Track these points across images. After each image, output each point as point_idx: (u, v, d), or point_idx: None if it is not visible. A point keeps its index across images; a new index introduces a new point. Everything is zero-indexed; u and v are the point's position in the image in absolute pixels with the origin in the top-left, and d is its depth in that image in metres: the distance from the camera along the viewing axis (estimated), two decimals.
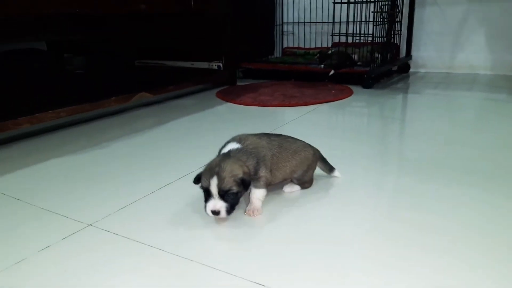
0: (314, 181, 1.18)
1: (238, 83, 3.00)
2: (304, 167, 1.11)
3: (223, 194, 0.93)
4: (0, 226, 1.01)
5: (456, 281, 0.75)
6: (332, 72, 2.86)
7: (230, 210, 0.94)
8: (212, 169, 0.94)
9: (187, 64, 2.94)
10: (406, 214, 0.99)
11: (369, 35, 2.80)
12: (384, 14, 2.83)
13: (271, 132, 1.14)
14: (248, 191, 1.01)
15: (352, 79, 2.85)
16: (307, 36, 3.68)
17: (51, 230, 0.97)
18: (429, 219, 0.97)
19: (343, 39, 3.01)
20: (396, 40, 3.25)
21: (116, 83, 2.55)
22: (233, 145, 1.01)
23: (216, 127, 1.89)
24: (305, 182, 1.15)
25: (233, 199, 0.94)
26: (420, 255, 0.83)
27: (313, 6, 3.59)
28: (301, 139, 1.16)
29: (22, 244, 0.91)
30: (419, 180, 1.20)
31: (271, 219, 1.01)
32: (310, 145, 1.16)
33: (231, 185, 0.92)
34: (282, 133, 1.16)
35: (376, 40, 2.85)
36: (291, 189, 1.14)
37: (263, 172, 0.99)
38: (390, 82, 3.00)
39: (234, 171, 0.93)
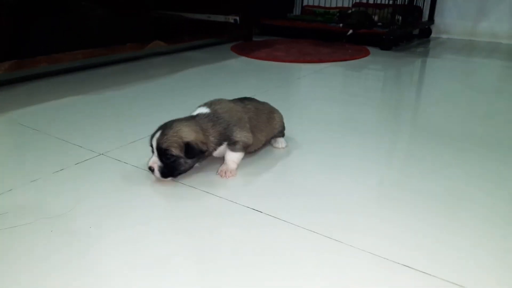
0: (327, 148, 1.14)
1: (254, 39, 2.98)
2: (281, 124, 1.11)
3: (160, 153, 0.87)
4: (19, 151, 1.07)
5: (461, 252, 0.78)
6: (350, 31, 2.81)
7: (166, 173, 0.88)
8: (162, 126, 0.90)
9: (204, 17, 2.91)
10: (416, 182, 0.95)
11: None
12: None
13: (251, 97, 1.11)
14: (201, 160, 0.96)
15: (370, 40, 2.80)
16: None
17: (65, 156, 1.02)
18: (440, 188, 0.93)
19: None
20: (419, 3, 3.15)
21: (132, 30, 2.55)
22: (202, 110, 0.95)
23: (228, 79, 1.91)
24: (281, 131, 1.12)
25: (171, 162, 0.87)
26: (426, 223, 0.81)
27: None
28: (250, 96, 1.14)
29: (38, 166, 0.97)
30: (431, 148, 1.15)
31: (277, 177, 1.04)
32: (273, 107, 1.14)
33: (169, 145, 0.86)
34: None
35: (399, 1, 2.77)
36: (282, 144, 1.12)
37: (238, 135, 0.94)
38: (410, 45, 2.94)
39: (181, 133, 0.87)
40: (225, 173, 0.94)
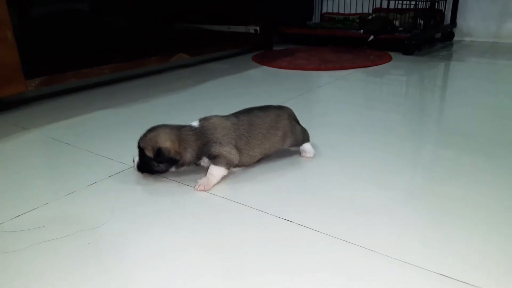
0: (351, 153, 1.14)
1: (275, 48, 3.00)
2: (288, 134, 1.06)
3: (139, 150, 0.97)
4: (53, 165, 1.11)
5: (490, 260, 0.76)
6: (371, 37, 2.80)
7: (142, 168, 0.98)
8: (150, 128, 0.98)
9: (224, 28, 2.95)
10: (441, 187, 0.94)
11: (412, 0, 2.71)
12: None
13: (258, 106, 1.09)
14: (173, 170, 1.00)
15: (392, 45, 2.78)
16: (347, 2, 3.59)
17: (98, 169, 1.05)
18: (467, 193, 0.91)
19: (384, 4, 2.93)
20: (441, 7, 3.12)
21: (156, 44, 2.61)
22: (194, 123, 1.00)
23: (250, 89, 1.92)
24: (301, 138, 1.09)
25: (145, 160, 0.96)
26: (453, 229, 0.81)
27: None
28: (275, 104, 1.11)
29: (72, 180, 1.00)
30: (458, 153, 1.13)
31: (297, 185, 1.04)
32: (281, 108, 1.09)
33: (144, 146, 0.95)
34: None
35: (420, 5, 2.75)
36: (310, 153, 1.10)
37: (217, 150, 0.95)
38: (432, 49, 2.91)
39: (157, 138, 0.94)
40: (199, 186, 0.94)
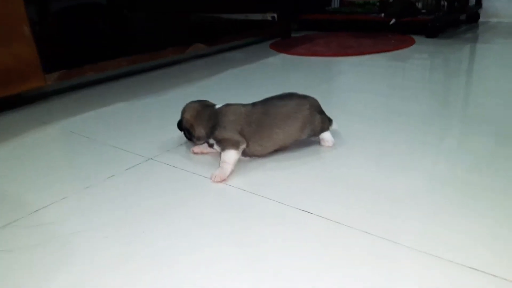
0: (373, 141, 1.12)
1: (293, 35, 2.94)
2: (306, 124, 1.02)
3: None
4: (71, 158, 1.11)
5: None
6: (393, 21, 2.70)
7: (186, 135, 1.07)
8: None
9: (241, 16, 2.91)
10: (468, 175, 0.91)
11: None
12: None
13: (295, 92, 1.07)
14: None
15: (415, 29, 2.69)
16: None
17: (116, 162, 1.04)
18: (493, 181, 0.88)
19: None
20: None
21: (172, 35, 2.59)
22: (217, 105, 1.04)
23: (268, 77, 1.89)
24: (322, 126, 1.05)
25: (184, 130, 1.07)
26: (477, 218, 0.78)
27: None
28: (300, 93, 1.07)
29: (91, 173, 0.99)
30: (485, 140, 1.09)
31: (316, 166, 1.01)
32: (304, 98, 1.05)
33: (181, 117, 1.06)
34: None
35: None
36: (329, 142, 1.07)
37: (221, 134, 0.96)
38: (457, 31, 2.80)
39: (184, 109, 1.07)
40: (215, 177, 0.92)
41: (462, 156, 1.00)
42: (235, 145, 0.95)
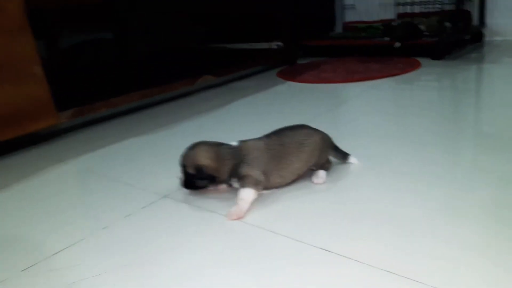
0: (389, 157, 1.14)
1: (299, 62, 2.97)
2: (317, 153, 1.04)
3: (182, 168, 1.01)
4: (87, 197, 1.11)
5: None
6: (397, 44, 2.73)
7: (186, 185, 1.02)
8: (190, 145, 1.02)
9: (247, 46, 2.96)
10: (482, 192, 0.92)
11: (437, 3, 2.64)
12: None
13: (286, 126, 1.08)
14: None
15: (420, 51, 2.70)
16: (369, 9, 3.54)
17: (131, 200, 1.05)
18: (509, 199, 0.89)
19: (408, 9, 2.86)
20: (468, 7, 3.02)
21: (181, 67, 2.64)
22: (233, 143, 1.02)
23: (276, 106, 1.90)
24: (324, 164, 1.07)
25: (188, 177, 1.00)
26: (497, 236, 0.78)
27: None
28: (309, 125, 1.09)
29: (107, 212, 0.99)
30: (497, 158, 1.09)
31: (331, 196, 1.01)
32: (315, 130, 1.08)
33: (186, 164, 0.99)
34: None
35: (445, 8, 2.67)
36: (320, 179, 1.05)
37: (246, 171, 0.96)
38: (463, 52, 2.81)
39: (197, 156, 0.98)
40: (231, 215, 0.91)
41: (476, 175, 1.00)
42: (256, 185, 0.95)
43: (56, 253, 0.84)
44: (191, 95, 2.27)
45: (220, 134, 1.53)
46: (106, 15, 2.70)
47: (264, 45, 2.91)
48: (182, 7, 3.06)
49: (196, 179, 1.00)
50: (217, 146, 1.01)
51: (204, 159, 0.97)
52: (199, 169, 0.97)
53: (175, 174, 1.18)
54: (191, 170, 0.98)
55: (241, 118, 1.73)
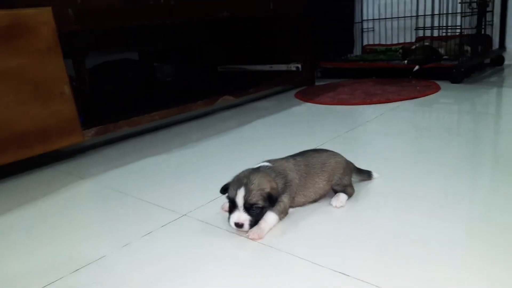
0: (407, 180, 1.15)
1: (317, 83, 3.00)
2: (340, 171, 1.07)
3: (248, 207, 0.92)
4: (107, 215, 1.14)
5: None
6: (416, 67, 2.74)
7: (253, 224, 0.93)
8: (240, 180, 0.93)
9: (266, 67, 3.00)
10: (503, 217, 0.92)
11: (457, 27, 2.64)
12: (473, 4, 2.65)
13: (308, 149, 1.12)
14: None
15: (439, 74, 2.70)
16: (388, 32, 3.56)
17: (151, 219, 1.07)
18: None
19: (428, 33, 2.88)
20: (488, 32, 3.02)
21: (201, 88, 2.70)
22: (264, 164, 1.01)
23: (294, 127, 1.92)
24: (346, 186, 1.07)
25: (258, 214, 0.93)
26: None
27: (395, 0, 3.46)
28: (331, 150, 1.13)
29: (127, 230, 1.02)
30: None
31: (349, 219, 1.01)
32: (339, 154, 1.12)
33: (257, 199, 0.91)
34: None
35: (465, 32, 2.68)
36: (339, 202, 1.04)
37: (285, 198, 0.97)
38: (482, 76, 2.80)
39: (262, 185, 0.92)
40: (253, 234, 0.91)
41: (495, 200, 0.99)
42: (281, 213, 0.97)
43: (77, 270, 0.86)
44: (211, 115, 2.31)
45: (237, 154, 1.56)
46: (131, 37, 2.79)
47: (282, 67, 2.95)
48: (202, 31, 3.14)
49: (266, 209, 0.94)
50: (259, 170, 0.97)
51: (268, 183, 0.93)
52: (271, 196, 0.93)
53: (194, 193, 1.20)
54: (262, 203, 0.92)
55: (260, 139, 1.75)
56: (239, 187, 0.92)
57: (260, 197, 0.91)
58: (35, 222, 1.12)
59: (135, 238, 0.98)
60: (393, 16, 3.50)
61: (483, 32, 2.89)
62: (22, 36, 1.41)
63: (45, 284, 0.82)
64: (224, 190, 0.97)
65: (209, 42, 3.28)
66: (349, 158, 1.15)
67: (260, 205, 0.92)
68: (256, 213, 0.92)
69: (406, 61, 2.84)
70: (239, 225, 0.92)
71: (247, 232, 0.93)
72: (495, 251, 0.80)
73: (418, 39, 3.21)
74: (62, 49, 1.52)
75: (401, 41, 3.46)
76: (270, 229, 0.95)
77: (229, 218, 0.94)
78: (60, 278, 0.84)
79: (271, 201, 0.93)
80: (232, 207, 0.94)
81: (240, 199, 0.91)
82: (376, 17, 3.60)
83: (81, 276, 0.84)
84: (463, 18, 2.59)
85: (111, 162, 1.59)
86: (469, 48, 2.76)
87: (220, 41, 3.25)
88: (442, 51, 2.84)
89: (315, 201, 1.07)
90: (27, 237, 1.04)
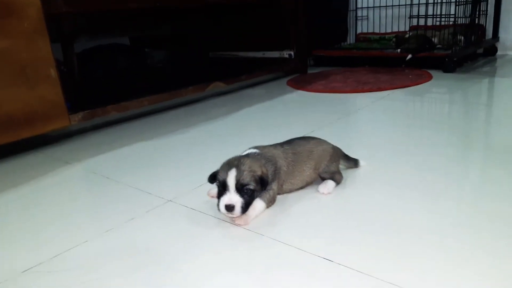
0: (397, 168, 1.15)
1: (310, 71, 2.98)
2: (326, 158, 1.06)
3: (240, 188, 0.89)
4: (92, 200, 1.12)
5: None
6: (409, 56, 2.72)
7: (244, 208, 0.89)
8: (231, 163, 0.92)
9: (259, 54, 2.97)
10: (493, 205, 0.92)
11: (451, 16, 2.63)
12: None
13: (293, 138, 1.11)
14: None
15: (431, 64, 2.69)
16: (383, 21, 3.54)
17: (136, 204, 1.05)
18: None
19: (422, 22, 2.85)
20: (482, 21, 3.00)
21: (192, 74, 2.66)
22: (253, 150, 1.00)
23: (286, 114, 1.91)
24: (334, 173, 1.07)
25: (250, 196, 0.90)
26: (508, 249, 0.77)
27: None
28: (319, 137, 1.12)
29: (112, 215, 1.00)
30: (506, 172, 1.09)
31: (336, 205, 1.00)
32: (326, 141, 1.11)
33: (249, 179, 0.89)
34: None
35: (459, 21, 2.66)
36: (326, 189, 1.04)
37: (274, 186, 0.97)
38: (475, 65, 2.79)
39: (253, 167, 0.91)
40: (239, 219, 0.91)
41: (486, 188, 0.98)
42: (270, 202, 0.97)
43: (58, 254, 0.85)
44: (202, 101, 2.29)
45: (227, 141, 1.54)
46: (122, 21, 2.74)
47: (275, 54, 2.92)
48: (195, 17, 3.10)
49: (257, 193, 0.93)
50: (251, 156, 0.96)
51: (260, 168, 0.92)
52: (263, 179, 0.91)
53: (180, 179, 1.19)
54: (253, 185, 0.90)
55: (250, 126, 1.73)
56: (230, 169, 0.90)
57: (252, 178, 0.89)
58: (18, 206, 1.10)
59: (119, 223, 0.96)
60: (388, 4, 3.48)
61: (476, 22, 2.87)
62: (8, 17, 1.37)
63: (26, 268, 0.81)
64: (212, 178, 0.94)
65: (201, 28, 3.24)
66: (339, 145, 1.14)
67: (251, 187, 0.90)
68: (247, 196, 0.90)
69: (399, 50, 2.82)
70: (230, 208, 0.88)
71: (234, 218, 0.92)
72: (484, 239, 0.80)
73: (412, 28, 3.19)
74: (51, 32, 1.48)
75: (395, 29, 3.44)
76: (256, 216, 0.94)
77: (218, 203, 0.90)
78: (41, 263, 0.82)
79: (262, 184, 0.91)
80: (223, 190, 0.90)
81: (231, 180, 0.89)
82: (371, 5, 3.57)
83: (62, 260, 0.83)
84: (457, 7, 2.57)
85: (98, 147, 1.57)
86: (462, 38, 2.74)
87: (212, 28, 3.20)
88: (435, 40, 2.83)
89: (301, 188, 1.06)
90: (9, 221, 1.02)
